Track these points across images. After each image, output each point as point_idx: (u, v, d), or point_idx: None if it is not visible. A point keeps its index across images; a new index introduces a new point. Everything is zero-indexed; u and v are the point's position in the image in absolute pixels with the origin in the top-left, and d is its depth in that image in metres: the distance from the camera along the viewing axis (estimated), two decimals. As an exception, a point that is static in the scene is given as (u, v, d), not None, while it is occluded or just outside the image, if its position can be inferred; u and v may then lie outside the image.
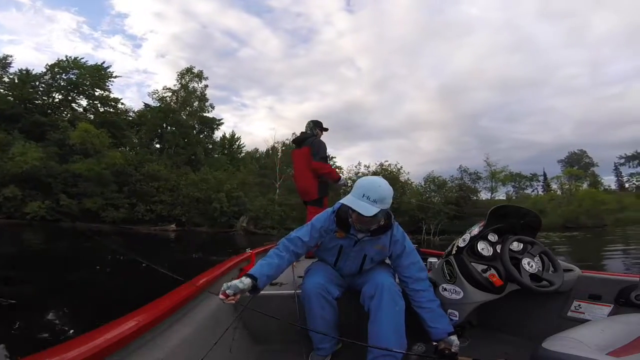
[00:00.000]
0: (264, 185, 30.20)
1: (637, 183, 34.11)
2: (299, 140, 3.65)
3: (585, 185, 33.03)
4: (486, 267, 1.75)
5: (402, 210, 24.29)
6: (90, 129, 24.91)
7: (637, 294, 1.60)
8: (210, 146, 36.05)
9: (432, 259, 2.22)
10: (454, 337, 1.58)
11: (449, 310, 1.78)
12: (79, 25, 61.61)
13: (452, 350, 1.54)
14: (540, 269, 1.74)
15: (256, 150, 39.65)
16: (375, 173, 29.25)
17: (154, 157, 28.20)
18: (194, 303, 1.63)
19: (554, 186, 32.92)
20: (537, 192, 33.45)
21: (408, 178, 29.62)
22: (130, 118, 32.85)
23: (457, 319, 1.76)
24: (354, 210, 1.56)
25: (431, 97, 76.35)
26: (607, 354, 1.11)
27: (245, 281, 1.45)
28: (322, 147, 3.53)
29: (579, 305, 1.81)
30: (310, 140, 3.53)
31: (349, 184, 3.60)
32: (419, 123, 76.47)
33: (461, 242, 1.85)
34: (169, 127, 31.31)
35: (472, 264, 1.75)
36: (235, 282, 1.44)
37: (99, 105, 31.07)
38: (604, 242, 15.83)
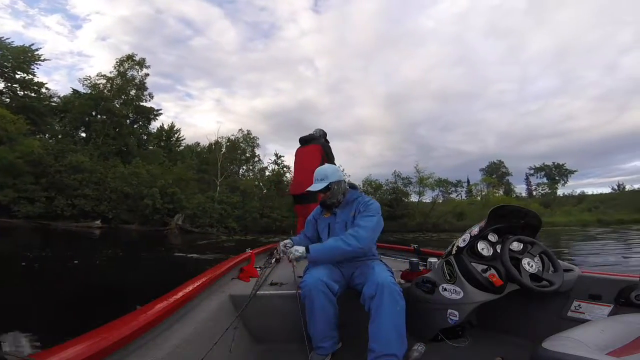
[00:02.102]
0: (203, 182, 29.23)
1: (542, 192, 39.19)
2: (307, 139, 4.02)
3: (501, 192, 37.29)
4: (486, 267, 1.76)
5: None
6: (5, 114, 22.20)
7: (637, 294, 1.60)
8: (145, 137, 33.79)
9: (432, 259, 2.25)
10: (295, 247, 1.92)
11: (449, 310, 1.77)
12: (12, 1, 53.88)
13: (287, 254, 1.89)
14: (540, 269, 1.74)
15: (197, 144, 37.81)
16: (319, 174, 30.24)
17: (78, 147, 25.77)
18: (194, 303, 1.64)
19: (475, 192, 36.81)
20: (461, 196, 36.93)
21: (349, 180, 30.97)
22: (54, 104, 29.72)
23: (457, 319, 1.74)
24: (317, 193, 2.10)
25: (379, 103, 79.87)
26: (607, 354, 1.11)
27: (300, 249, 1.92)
28: (331, 153, 4.02)
29: (579, 305, 1.80)
30: (322, 141, 3.97)
31: None
32: (366, 127, 79.54)
33: (461, 242, 1.83)
34: (99, 116, 28.91)
35: (472, 264, 1.75)
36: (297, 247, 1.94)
37: (18, 88, 27.61)
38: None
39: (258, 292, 1.92)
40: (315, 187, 2.04)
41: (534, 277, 1.69)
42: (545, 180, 38.72)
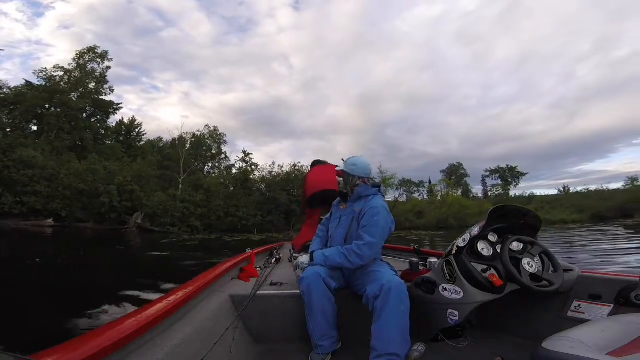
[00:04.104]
0: (165, 179, 28.39)
1: (496, 192, 41.81)
2: (323, 162, 4.11)
3: (459, 192, 39.41)
4: (486, 267, 1.75)
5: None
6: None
7: (637, 294, 1.59)
8: (103, 132, 32.49)
9: (432, 259, 2.25)
10: (304, 258, 2.01)
11: (449, 310, 1.76)
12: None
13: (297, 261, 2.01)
14: (540, 269, 1.74)
15: (160, 139, 36.54)
16: (288, 173, 30.44)
17: (28, 141, 24.38)
18: (194, 303, 1.63)
19: (435, 192, 38.79)
20: (423, 196, 38.64)
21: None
22: (3, 95, 27.69)
23: (457, 319, 1.73)
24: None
25: (352, 103, 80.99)
26: (607, 354, 1.11)
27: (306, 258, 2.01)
28: None
29: (579, 305, 1.80)
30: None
31: None
32: (338, 127, 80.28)
33: (461, 242, 1.82)
34: (53, 109, 27.47)
35: (472, 264, 1.74)
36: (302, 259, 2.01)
37: (-36, 79, 25.70)
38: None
39: (258, 292, 1.94)
40: (341, 165, 2.19)
41: (534, 277, 1.70)
42: (499, 181, 41.44)
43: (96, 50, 30.15)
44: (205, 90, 71.74)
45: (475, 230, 1.83)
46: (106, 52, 30.59)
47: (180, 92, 71.53)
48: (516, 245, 1.81)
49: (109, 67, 30.87)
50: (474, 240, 1.81)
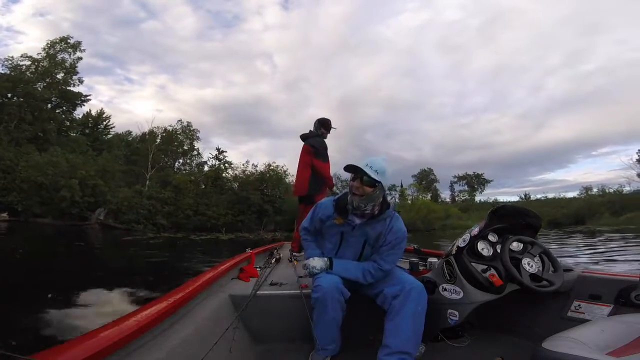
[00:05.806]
0: (131, 174, 27.73)
1: (463, 198, 43.56)
2: (304, 137, 3.82)
3: (428, 197, 40.74)
4: (486, 267, 1.74)
5: (284, 209, 26.98)
6: None
7: (637, 294, 1.59)
8: (68, 123, 31.19)
9: (432, 259, 2.25)
10: (317, 262, 1.80)
11: (449, 310, 1.75)
12: None
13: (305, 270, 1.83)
14: (540, 269, 1.74)
15: (128, 132, 35.35)
16: (262, 172, 30.34)
17: (-16, 131, 23.27)
18: (194, 303, 1.63)
19: (406, 196, 40.00)
20: (395, 200, 39.43)
21: (292, 180, 31.55)
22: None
23: (457, 319, 1.73)
24: (356, 178, 1.70)
25: (333, 106, 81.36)
26: (607, 354, 1.11)
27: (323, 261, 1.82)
28: (323, 146, 3.77)
29: (579, 305, 1.80)
30: (312, 139, 3.72)
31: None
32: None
33: (461, 242, 1.82)
34: (15, 98, 26.26)
35: (472, 264, 1.74)
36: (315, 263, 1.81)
37: None
38: (430, 240, 19.76)
39: (258, 292, 1.94)
40: (370, 174, 1.67)
41: (534, 277, 1.69)
42: (466, 187, 43.23)
43: (68, 41, 29.23)
44: (182, 84, 69.92)
45: (475, 230, 1.84)
46: (79, 43, 29.69)
47: (156, 85, 69.96)
48: (516, 245, 1.81)
49: (80, 58, 29.92)
50: (474, 240, 1.81)
